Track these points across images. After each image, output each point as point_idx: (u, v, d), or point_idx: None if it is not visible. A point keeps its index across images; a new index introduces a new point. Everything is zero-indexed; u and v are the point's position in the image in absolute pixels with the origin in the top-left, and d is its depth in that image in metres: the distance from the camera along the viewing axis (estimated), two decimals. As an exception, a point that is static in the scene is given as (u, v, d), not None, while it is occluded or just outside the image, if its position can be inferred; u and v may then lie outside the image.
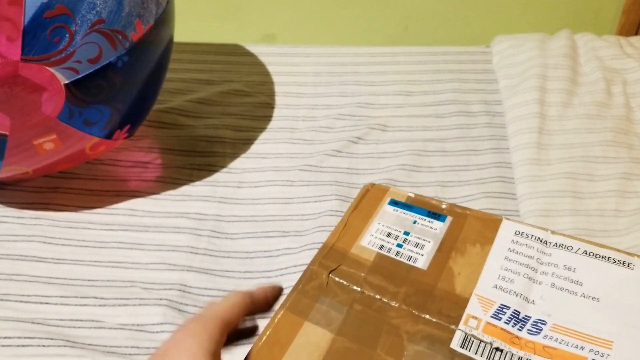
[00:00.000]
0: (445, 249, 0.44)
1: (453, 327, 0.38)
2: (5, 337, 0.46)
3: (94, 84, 0.48)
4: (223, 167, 0.63)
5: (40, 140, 0.49)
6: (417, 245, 0.44)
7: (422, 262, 0.43)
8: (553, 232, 0.44)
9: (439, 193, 0.60)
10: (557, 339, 0.38)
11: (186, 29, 0.82)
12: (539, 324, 0.39)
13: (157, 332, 0.48)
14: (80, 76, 0.47)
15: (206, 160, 0.64)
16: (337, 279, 0.41)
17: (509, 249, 0.43)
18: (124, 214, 0.58)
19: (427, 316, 0.39)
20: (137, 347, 0.46)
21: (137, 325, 0.48)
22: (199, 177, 0.62)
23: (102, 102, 0.50)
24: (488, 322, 0.38)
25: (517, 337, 0.38)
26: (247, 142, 0.66)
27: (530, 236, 0.44)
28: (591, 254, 0.43)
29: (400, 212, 0.47)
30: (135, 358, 0.46)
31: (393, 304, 0.40)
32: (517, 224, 0.45)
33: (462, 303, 0.40)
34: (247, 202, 0.59)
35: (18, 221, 0.56)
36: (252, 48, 0.80)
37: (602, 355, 0.36)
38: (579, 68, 0.73)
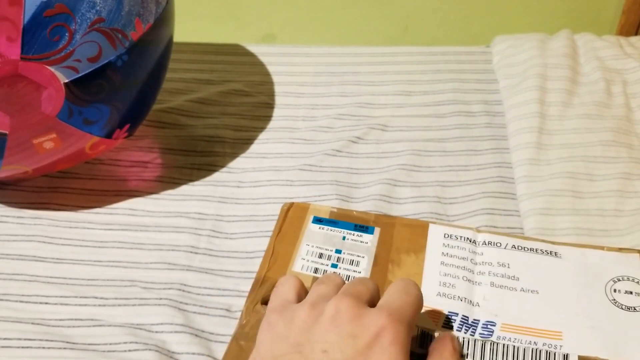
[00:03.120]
0: (381, 263, 0.43)
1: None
2: (5, 339, 0.46)
3: (94, 83, 0.48)
4: (223, 166, 0.63)
5: (40, 140, 0.49)
6: (352, 262, 0.43)
7: None
8: (479, 231, 0.45)
9: (439, 193, 0.60)
10: (510, 338, 0.38)
11: (186, 29, 0.82)
12: (489, 326, 0.39)
13: (157, 331, 0.48)
14: (80, 75, 0.47)
15: (206, 160, 0.64)
16: None
17: (442, 253, 0.43)
18: (124, 214, 0.58)
19: None
20: (137, 347, 0.46)
21: (137, 324, 0.48)
22: (199, 177, 0.62)
23: (102, 101, 0.50)
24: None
25: (473, 342, 0.38)
26: (247, 142, 0.66)
27: (459, 237, 0.44)
28: (520, 248, 0.43)
29: (326, 229, 0.45)
30: (135, 357, 0.45)
31: None
32: (443, 227, 0.45)
33: None
34: (247, 202, 0.59)
35: (18, 221, 0.56)
36: (252, 48, 0.80)
37: (555, 347, 0.37)
38: (579, 68, 0.73)
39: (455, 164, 0.63)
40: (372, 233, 0.45)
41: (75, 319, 0.48)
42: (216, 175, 0.62)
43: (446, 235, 0.44)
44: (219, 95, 0.72)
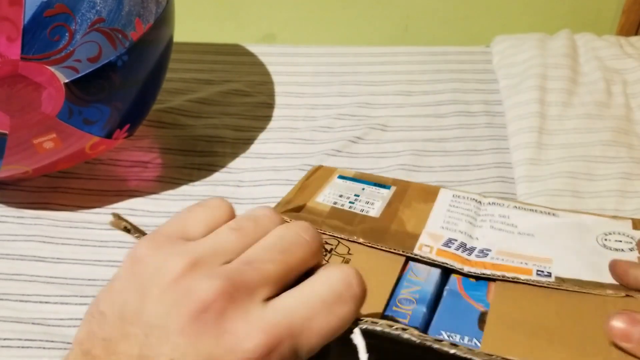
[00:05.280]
0: (394, 205, 0.48)
1: (408, 252, 0.41)
2: (5, 339, 0.46)
3: (94, 83, 0.48)
4: (223, 166, 0.63)
5: (40, 140, 0.49)
6: (367, 202, 0.48)
7: (373, 212, 0.47)
8: (485, 196, 0.49)
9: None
10: (503, 259, 0.41)
11: (186, 29, 0.82)
12: (485, 251, 0.42)
13: (157, 331, 0.48)
14: (80, 75, 0.47)
15: (206, 160, 0.64)
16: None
17: (450, 204, 0.48)
18: (124, 214, 0.58)
19: (384, 247, 0.42)
20: (137, 347, 0.46)
21: (137, 324, 0.48)
22: (199, 177, 0.62)
23: (102, 101, 0.50)
24: (440, 249, 0.42)
25: (467, 259, 0.41)
26: (247, 142, 0.66)
27: (466, 197, 0.48)
28: (520, 207, 0.47)
29: (349, 183, 0.51)
30: (135, 357, 0.45)
31: (352, 238, 0.42)
32: (453, 191, 0.49)
33: (414, 237, 0.43)
34: (246, 202, 0.59)
35: (18, 221, 0.56)
36: (252, 48, 0.80)
37: (545, 267, 0.40)
38: (579, 68, 0.73)
39: (455, 164, 0.63)
40: (388, 189, 0.50)
41: (76, 319, 0.48)
42: (216, 175, 0.62)
43: (454, 196, 0.49)
44: (219, 95, 0.72)
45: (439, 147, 0.65)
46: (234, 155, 0.64)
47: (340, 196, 0.49)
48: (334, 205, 0.47)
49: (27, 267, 0.52)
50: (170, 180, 0.61)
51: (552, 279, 0.38)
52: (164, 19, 0.53)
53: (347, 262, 0.40)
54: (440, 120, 0.69)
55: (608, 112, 0.67)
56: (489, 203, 0.47)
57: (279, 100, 0.72)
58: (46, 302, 0.50)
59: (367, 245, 0.42)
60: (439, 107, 0.71)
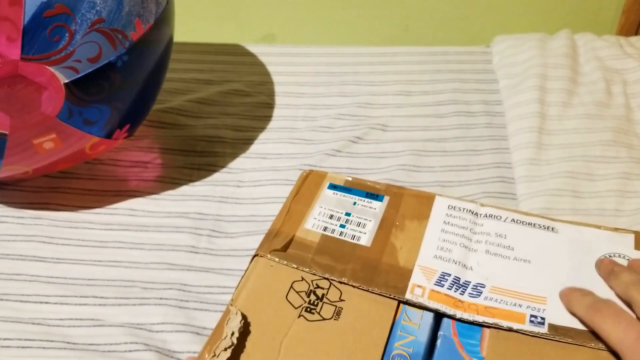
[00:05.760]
0: (386, 226, 0.46)
1: (400, 297, 0.40)
2: (5, 339, 0.46)
3: (94, 83, 0.48)
4: (223, 167, 0.63)
5: (40, 140, 0.49)
6: (359, 224, 0.46)
7: (365, 239, 0.45)
8: (482, 205, 0.47)
9: (439, 193, 0.60)
10: (496, 299, 0.40)
11: (186, 29, 0.82)
12: (478, 287, 0.41)
13: (157, 331, 0.48)
14: (80, 75, 0.47)
15: (206, 160, 0.64)
16: (285, 262, 0.43)
17: (444, 222, 0.46)
18: (124, 214, 0.58)
19: (376, 289, 0.41)
20: (138, 347, 0.46)
21: (137, 324, 0.48)
22: (199, 177, 0.62)
23: (102, 101, 0.50)
24: (432, 290, 0.41)
25: (460, 300, 0.40)
26: (247, 142, 0.66)
27: (462, 209, 0.47)
28: (518, 222, 0.45)
29: (340, 195, 0.49)
30: (136, 357, 0.46)
31: (342, 280, 0.41)
32: (449, 199, 0.48)
33: (406, 274, 0.42)
34: (246, 202, 0.59)
35: (18, 221, 0.56)
36: (252, 48, 0.80)
37: (539, 311, 0.39)
38: (579, 68, 0.73)
39: (455, 164, 0.63)
40: (381, 200, 0.48)
41: (76, 319, 0.48)
42: (216, 176, 0.62)
43: (450, 207, 0.47)
44: (219, 95, 0.72)
45: (438, 147, 0.65)
46: (234, 155, 0.64)
47: (331, 217, 0.47)
48: (324, 233, 0.45)
49: (27, 267, 0.52)
50: (170, 180, 0.61)
51: (545, 329, 0.38)
52: (164, 19, 0.53)
53: (340, 310, 0.40)
54: (440, 120, 0.69)
55: (608, 112, 0.67)
56: (486, 216, 0.46)
57: (279, 100, 0.72)
58: (46, 302, 0.50)
59: (359, 288, 0.41)
60: (439, 107, 0.71)
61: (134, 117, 0.55)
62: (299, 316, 0.39)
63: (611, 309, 0.36)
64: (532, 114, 0.66)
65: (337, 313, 0.39)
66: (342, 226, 0.46)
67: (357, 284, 0.41)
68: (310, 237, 0.45)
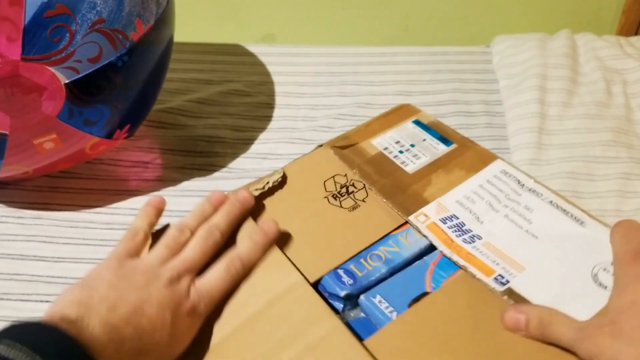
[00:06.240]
0: (436, 165, 0.51)
1: (404, 216, 0.45)
2: (5, 337, 0.47)
3: (94, 83, 0.48)
4: (223, 167, 0.63)
5: (40, 140, 0.49)
6: (415, 155, 0.51)
7: (411, 168, 0.50)
8: (536, 182, 0.49)
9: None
10: (482, 252, 0.43)
11: (186, 29, 0.82)
12: (475, 238, 0.44)
13: (157, 331, 0.48)
14: (80, 76, 0.47)
15: (206, 160, 0.64)
16: (338, 157, 0.51)
17: (488, 180, 0.49)
18: (125, 214, 0.58)
19: (390, 204, 0.46)
20: (137, 347, 0.46)
21: (137, 324, 0.48)
22: (199, 177, 0.62)
23: (102, 101, 0.50)
24: (434, 223, 0.45)
25: (452, 240, 0.44)
26: (247, 142, 0.66)
27: (511, 176, 0.49)
28: (554, 204, 0.47)
29: (417, 130, 0.55)
30: (136, 357, 0.46)
31: (371, 188, 0.48)
32: (506, 165, 0.50)
33: (422, 203, 0.46)
34: (247, 202, 0.59)
35: (18, 221, 0.56)
36: (252, 48, 0.80)
37: (509, 274, 0.41)
38: (579, 68, 0.73)
39: (455, 164, 0.63)
40: (448, 146, 0.53)
41: (76, 319, 0.48)
42: (216, 176, 0.62)
43: (502, 171, 0.50)
44: (219, 95, 0.72)
45: (439, 147, 0.65)
46: (234, 155, 0.64)
47: (397, 142, 0.52)
48: (382, 151, 0.52)
49: (28, 266, 0.52)
50: (170, 180, 0.61)
51: (503, 288, 0.40)
52: (164, 19, 0.54)
53: (356, 206, 0.46)
54: (440, 120, 0.69)
55: (608, 112, 0.67)
56: (529, 189, 0.48)
57: (279, 100, 0.72)
58: (47, 302, 0.50)
59: (381, 198, 0.47)
60: (439, 107, 0.71)
61: (134, 117, 0.55)
62: (324, 197, 0.47)
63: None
64: (532, 114, 0.66)
65: (354, 208, 0.46)
66: (401, 152, 0.52)
67: (380, 195, 0.47)
68: (369, 150, 0.52)
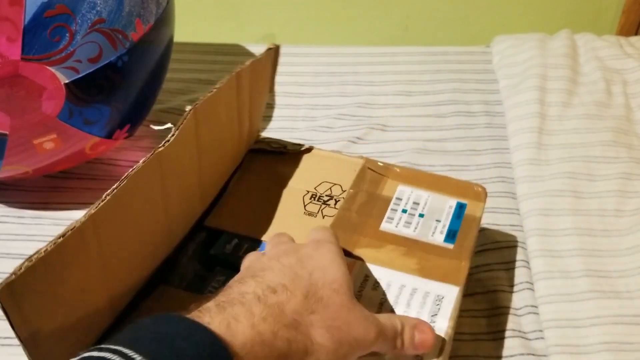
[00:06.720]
0: (407, 243, 0.45)
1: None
2: (5, 337, 0.46)
3: (94, 83, 0.48)
4: (223, 167, 0.63)
5: (40, 140, 0.49)
6: (407, 222, 0.47)
7: (387, 227, 0.46)
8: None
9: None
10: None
11: (186, 29, 0.82)
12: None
13: (158, 331, 0.48)
14: (80, 76, 0.47)
15: (206, 160, 0.64)
16: (357, 172, 0.50)
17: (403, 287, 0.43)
18: (124, 214, 0.58)
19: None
20: (138, 347, 0.46)
21: (138, 324, 0.48)
22: (199, 177, 0.62)
23: (102, 101, 0.50)
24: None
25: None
26: (247, 142, 0.66)
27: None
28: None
29: (448, 210, 0.48)
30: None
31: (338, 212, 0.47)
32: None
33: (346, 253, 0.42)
34: (247, 202, 0.59)
35: (18, 221, 0.56)
36: (252, 48, 0.80)
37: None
38: (579, 68, 0.73)
39: (455, 163, 0.63)
40: (445, 242, 0.45)
41: (76, 319, 0.48)
42: (216, 175, 0.62)
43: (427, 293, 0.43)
44: (219, 95, 0.72)
45: (438, 147, 0.65)
46: (234, 155, 0.64)
47: (415, 203, 0.48)
48: (393, 198, 0.48)
49: (28, 267, 0.52)
50: (170, 180, 0.61)
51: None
52: (164, 19, 0.54)
53: (312, 215, 0.47)
54: (441, 120, 0.69)
55: (608, 112, 0.67)
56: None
57: (279, 100, 0.72)
58: (47, 302, 0.50)
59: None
60: (439, 107, 0.71)
61: (134, 117, 0.55)
62: (307, 192, 0.49)
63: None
64: (532, 114, 0.66)
65: (310, 214, 0.47)
66: (404, 211, 0.47)
67: (336, 220, 0.46)
68: (387, 191, 0.49)
